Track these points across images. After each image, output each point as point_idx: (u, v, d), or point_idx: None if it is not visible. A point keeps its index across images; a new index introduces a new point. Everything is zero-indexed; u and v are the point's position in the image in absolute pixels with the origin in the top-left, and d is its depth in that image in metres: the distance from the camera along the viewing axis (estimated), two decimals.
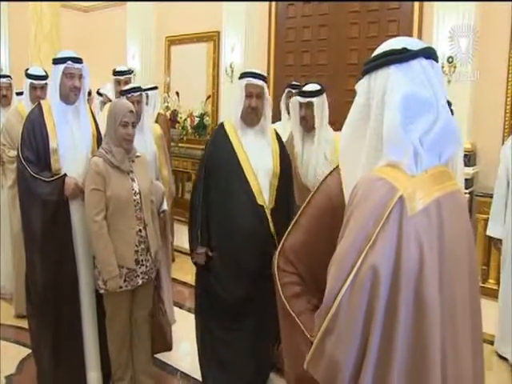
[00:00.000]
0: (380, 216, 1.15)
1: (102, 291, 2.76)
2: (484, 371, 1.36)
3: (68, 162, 2.84)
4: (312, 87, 3.21)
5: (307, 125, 3.20)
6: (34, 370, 3.01)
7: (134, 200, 2.74)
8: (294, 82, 4.51)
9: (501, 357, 3.62)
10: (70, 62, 2.82)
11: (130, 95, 3.47)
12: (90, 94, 4.67)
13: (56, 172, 2.80)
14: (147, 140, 3.53)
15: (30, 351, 3.36)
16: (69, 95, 2.84)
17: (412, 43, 1.27)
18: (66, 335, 2.86)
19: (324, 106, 3.22)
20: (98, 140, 3.00)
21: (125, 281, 2.71)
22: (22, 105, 4.13)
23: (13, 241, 4.06)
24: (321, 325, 1.22)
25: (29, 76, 4.04)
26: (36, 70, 4.15)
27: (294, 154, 3.23)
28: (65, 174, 2.79)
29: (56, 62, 2.86)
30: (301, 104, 3.19)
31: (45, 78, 4.07)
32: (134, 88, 3.57)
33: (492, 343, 3.68)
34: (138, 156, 2.86)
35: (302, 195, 3.11)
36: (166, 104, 7.49)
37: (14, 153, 3.96)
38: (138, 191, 2.76)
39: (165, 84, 8.03)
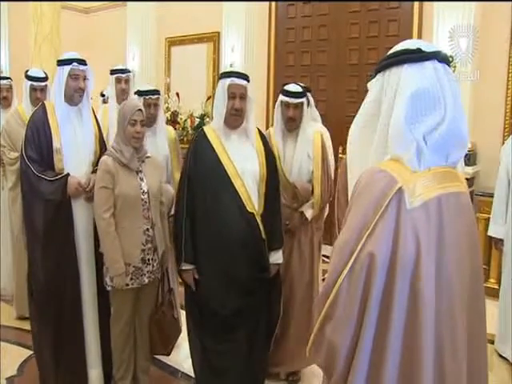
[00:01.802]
0: (379, 205, 1.19)
1: (108, 288, 2.79)
2: (487, 372, 1.37)
3: (71, 161, 2.86)
4: (298, 88, 3.18)
5: (294, 125, 3.15)
6: (35, 371, 3.01)
7: (142, 199, 2.77)
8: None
9: (501, 356, 3.62)
10: (75, 64, 2.85)
11: (147, 97, 3.44)
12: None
13: (59, 172, 2.82)
14: (159, 143, 3.47)
15: (31, 353, 3.37)
16: (73, 96, 2.87)
17: (426, 45, 1.31)
18: (67, 333, 2.87)
19: (308, 106, 3.22)
20: (100, 141, 3.03)
21: (131, 279, 2.74)
22: (21, 106, 4.13)
23: (13, 242, 4.07)
24: (321, 311, 1.26)
25: (28, 78, 4.04)
26: (36, 72, 4.15)
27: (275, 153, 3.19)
28: (68, 174, 2.81)
29: (61, 63, 2.88)
30: (289, 104, 3.13)
31: (45, 79, 4.08)
32: (153, 90, 3.55)
33: (492, 342, 3.67)
34: (148, 157, 2.89)
35: (289, 193, 3.13)
36: (166, 105, 7.50)
37: (14, 154, 3.98)
38: (146, 190, 2.78)
39: (165, 85, 8.03)
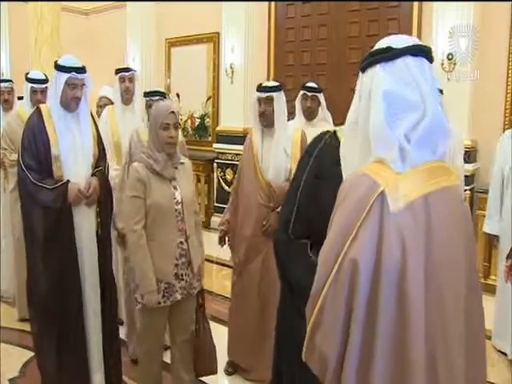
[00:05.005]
0: (361, 210, 1.16)
1: (138, 306, 2.59)
2: (485, 372, 1.35)
3: (70, 168, 2.80)
4: (272, 83, 3.19)
5: (266, 120, 3.11)
6: (37, 372, 3.00)
7: (176, 210, 2.57)
8: (308, 84, 4.15)
9: (499, 351, 3.61)
10: (74, 73, 2.74)
11: (148, 98, 3.42)
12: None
13: (58, 179, 2.76)
14: None
15: (33, 354, 3.37)
16: (70, 104, 2.79)
17: (398, 41, 1.28)
18: (69, 340, 2.82)
19: (283, 102, 3.16)
20: (99, 143, 2.97)
21: (163, 296, 2.55)
22: (22, 109, 4.14)
23: (15, 244, 4.08)
24: (310, 317, 1.24)
25: (29, 80, 4.05)
26: (36, 74, 4.16)
27: (253, 152, 3.17)
28: (68, 181, 2.76)
29: (59, 69, 2.78)
30: (260, 99, 3.10)
31: (45, 81, 4.09)
32: (154, 92, 3.53)
33: (489, 338, 3.66)
34: (182, 163, 2.69)
35: (266, 192, 3.08)
36: None
37: (15, 156, 3.98)
38: (180, 200, 2.58)
39: (165, 86, 8.04)
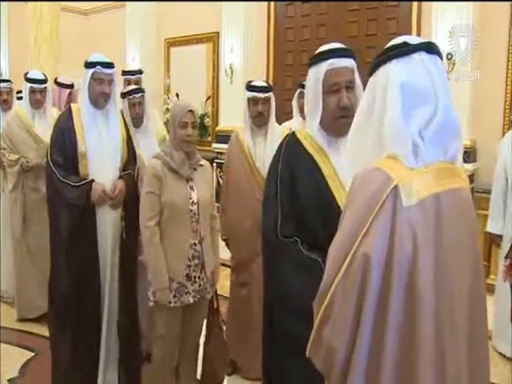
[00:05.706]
0: (374, 205, 1.17)
1: (150, 304, 2.60)
2: (488, 370, 1.35)
3: (96, 167, 2.79)
4: (264, 83, 3.18)
5: (262, 120, 3.12)
6: (36, 373, 3.02)
7: (191, 210, 2.56)
8: (305, 82, 4.21)
9: (499, 353, 3.61)
10: (99, 67, 2.75)
11: (131, 97, 3.40)
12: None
13: (84, 177, 2.76)
14: (149, 143, 3.42)
15: (32, 354, 3.40)
16: (98, 100, 2.79)
17: (414, 39, 1.30)
18: (85, 338, 2.79)
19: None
20: (129, 145, 2.96)
21: (174, 296, 2.55)
22: (21, 109, 4.14)
23: (14, 244, 4.07)
24: (318, 313, 1.24)
25: (28, 80, 4.05)
26: (35, 74, 4.17)
27: (244, 151, 3.18)
28: (92, 180, 2.75)
29: (86, 65, 2.80)
30: (258, 99, 3.10)
31: (44, 81, 4.09)
32: (135, 89, 3.50)
33: (490, 338, 3.67)
34: (201, 165, 2.70)
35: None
36: (165, 106, 7.51)
37: (14, 156, 3.99)
38: (195, 201, 2.58)
39: (165, 86, 8.04)
